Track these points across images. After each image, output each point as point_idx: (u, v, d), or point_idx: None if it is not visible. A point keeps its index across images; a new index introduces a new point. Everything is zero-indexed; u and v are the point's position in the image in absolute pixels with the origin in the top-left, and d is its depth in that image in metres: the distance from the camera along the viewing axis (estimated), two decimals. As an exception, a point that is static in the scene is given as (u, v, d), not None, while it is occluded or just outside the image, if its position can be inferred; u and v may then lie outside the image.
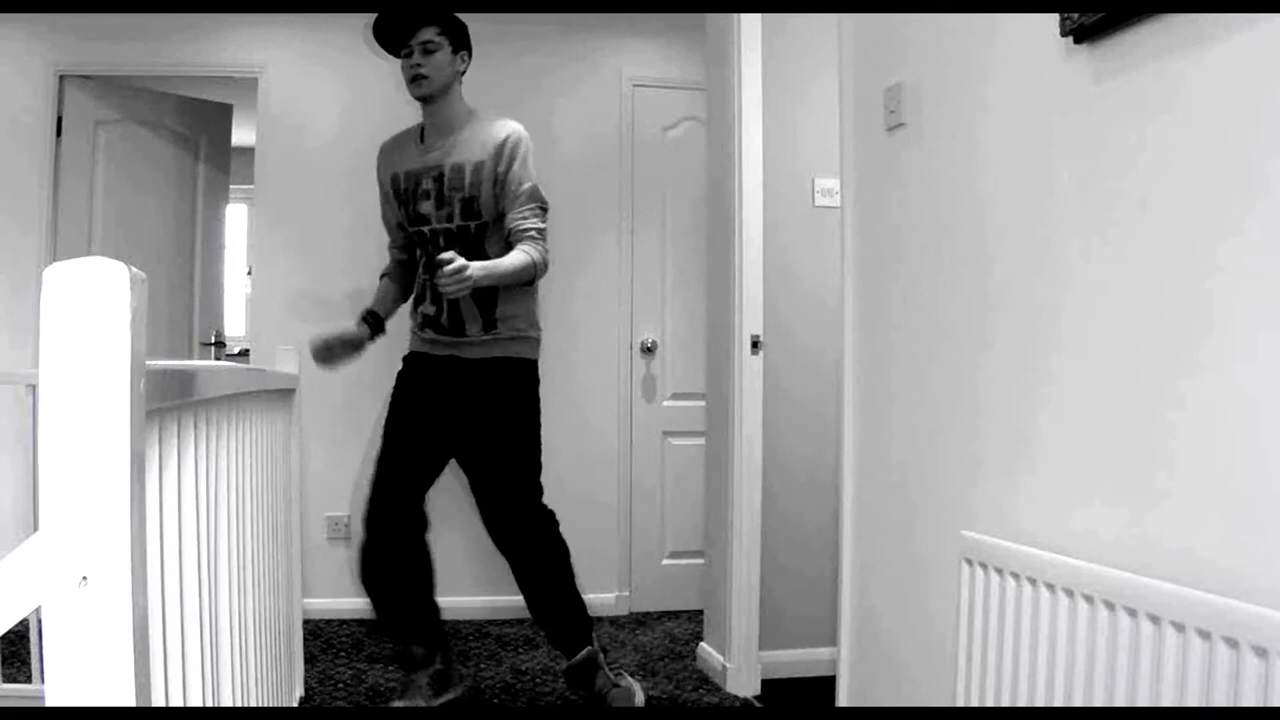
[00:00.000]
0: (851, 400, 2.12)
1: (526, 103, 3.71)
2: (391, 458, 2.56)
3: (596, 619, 3.48)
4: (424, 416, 2.58)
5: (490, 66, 3.72)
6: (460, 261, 2.24)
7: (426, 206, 2.53)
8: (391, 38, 2.53)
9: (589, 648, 2.57)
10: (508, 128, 2.53)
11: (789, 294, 2.92)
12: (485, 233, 2.52)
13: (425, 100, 2.55)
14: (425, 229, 2.55)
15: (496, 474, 2.52)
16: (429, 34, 2.50)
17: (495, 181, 2.49)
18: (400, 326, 3.03)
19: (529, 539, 2.53)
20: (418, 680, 2.57)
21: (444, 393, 2.57)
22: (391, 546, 2.52)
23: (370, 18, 2.63)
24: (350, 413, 3.62)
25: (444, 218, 2.52)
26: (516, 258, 2.42)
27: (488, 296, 2.51)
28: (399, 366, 2.68)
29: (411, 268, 2.70)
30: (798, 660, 2.90)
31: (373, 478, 2.59)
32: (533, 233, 2.47)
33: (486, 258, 2.45)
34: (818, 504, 2.88)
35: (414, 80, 2.50)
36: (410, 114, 3.77)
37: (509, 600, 3.62)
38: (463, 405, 2.55)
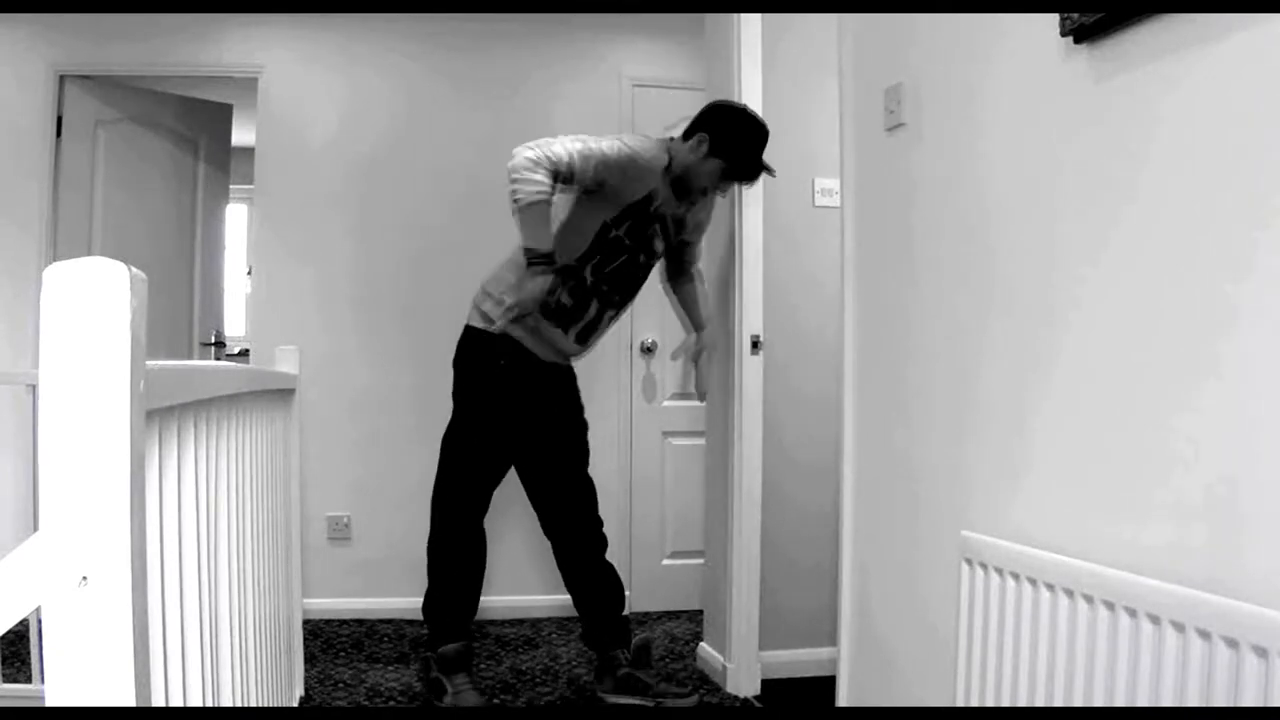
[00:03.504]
0: (852, 400, 2.12)
1: (527, 101, 3.71)
2: (484, 452, 2.59)
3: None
4: (514, 418, 2.60)
5: (491, 65, 3.72)
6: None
7: (657, 242, 2.63)
8: (747, 173, 2.58)
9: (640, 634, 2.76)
10: None
11: (790, 294, 2.91)
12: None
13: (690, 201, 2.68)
14: (639, 256, 2.61)
15: (586, 493, 2.70)
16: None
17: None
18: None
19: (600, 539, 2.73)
20: (459, 684, 2.58)
21: (557, 399, 2.67)
22: (476, 537, 2.64)
23: None
24: (350, 413, 3.62)
25: (652, 253, 2.65)
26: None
27: (612, 319, 2.70)
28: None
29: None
30: (798, 660, 2.90)
31: (458, 462, 2.59)
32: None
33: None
34: (820, 501, 2.88)
35: (705, 195, 2.66)
36: (409, 109, 3.78)
37: (510, 600, 3.63)
38: (568, 408, 2.69)
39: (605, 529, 2.73)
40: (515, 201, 2.36)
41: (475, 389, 2.58)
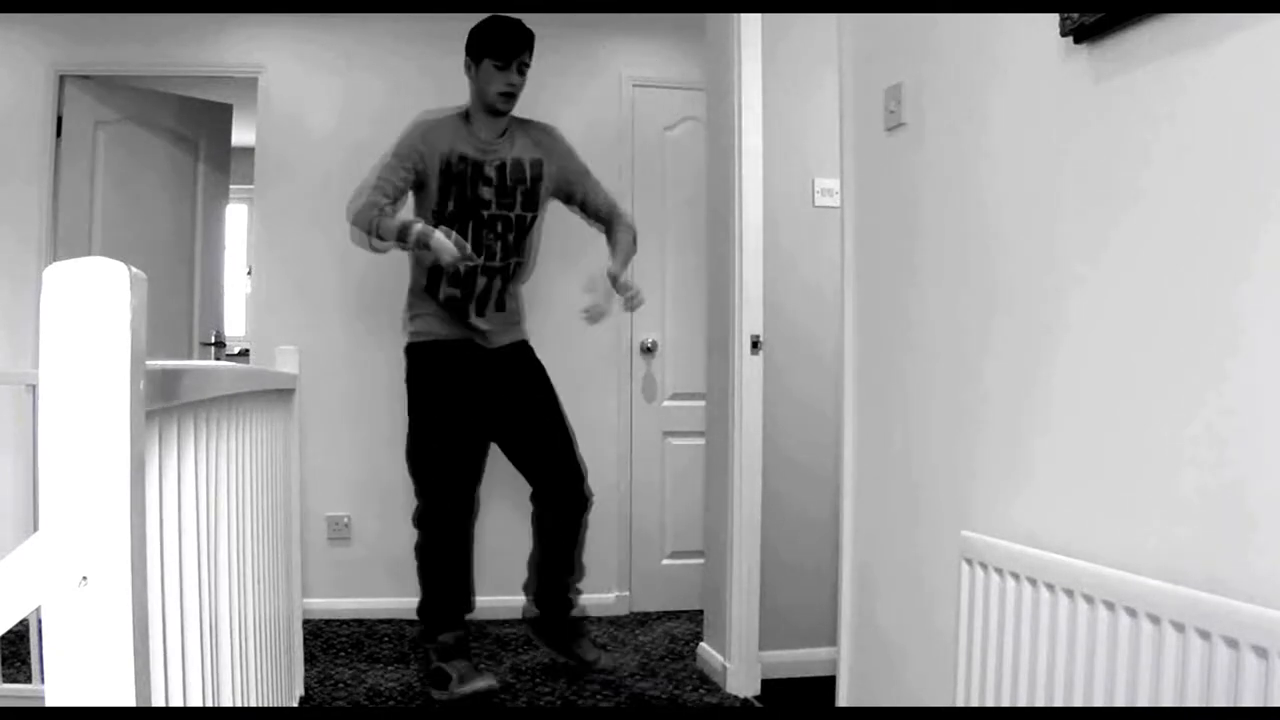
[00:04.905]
0: (852, 400, 2.12)
1: (526, 101, 3.70)
2: (447, 448, 2.69)
3: (596, 619, 3.49)
4: (467, 404, 2.72)
5: (490, 66, 3.72)
6: (633, 286, 2.76)
7: (487, 192, 2.72)
8: (499, 50, 2.68)
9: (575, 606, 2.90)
10: (548, 125, 2.87)
11: (790, 294, 2.91)
12: (535, 222, 2.83)
13: (504, 112, 2.76)
14: (484, 212, 2.72)
15: (565, 443, 2.80)
16: (527, 56, 2.75)
17: (554, 174, 2.82)
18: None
19: (585, 496, 2.84)
20: (461, 668, 2.68)
21: (479, 379, 2.75)
22: (461, 535, 2.73)
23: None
24: (350, 413, 3.62)
25: (505, 205, 2.75)
26: (627, 235, 2.89)
27: (504, 282, 2.77)
28: (404, 357, 2.80)
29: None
30: (798, 660, 2.90)
31: (426, 467, 2.70)
32: (617, 204, 2.95)
33: (531, 243, 2.84)
34: (820, 502, 2.88)
35: (507, 95, 2.72)
36: (409, 110, 3.76)
37: (509, 600, 3.62)
38: (500, 390, 2.77)
39: (592, 520, 2.86)
40: (364, 230, 2.62)
41: (420, 385, 2.76)
